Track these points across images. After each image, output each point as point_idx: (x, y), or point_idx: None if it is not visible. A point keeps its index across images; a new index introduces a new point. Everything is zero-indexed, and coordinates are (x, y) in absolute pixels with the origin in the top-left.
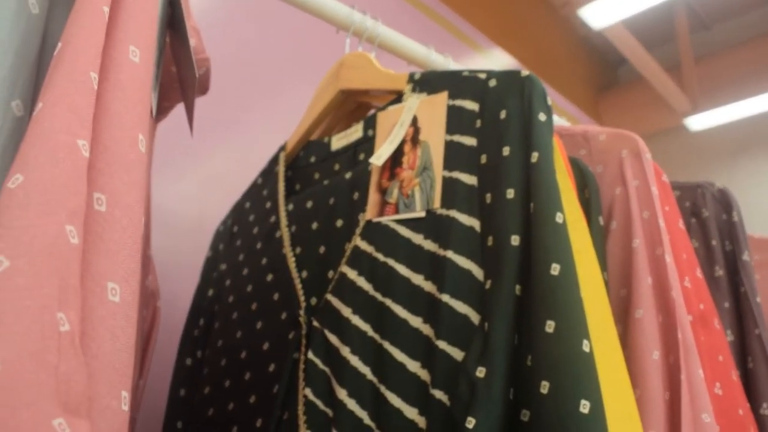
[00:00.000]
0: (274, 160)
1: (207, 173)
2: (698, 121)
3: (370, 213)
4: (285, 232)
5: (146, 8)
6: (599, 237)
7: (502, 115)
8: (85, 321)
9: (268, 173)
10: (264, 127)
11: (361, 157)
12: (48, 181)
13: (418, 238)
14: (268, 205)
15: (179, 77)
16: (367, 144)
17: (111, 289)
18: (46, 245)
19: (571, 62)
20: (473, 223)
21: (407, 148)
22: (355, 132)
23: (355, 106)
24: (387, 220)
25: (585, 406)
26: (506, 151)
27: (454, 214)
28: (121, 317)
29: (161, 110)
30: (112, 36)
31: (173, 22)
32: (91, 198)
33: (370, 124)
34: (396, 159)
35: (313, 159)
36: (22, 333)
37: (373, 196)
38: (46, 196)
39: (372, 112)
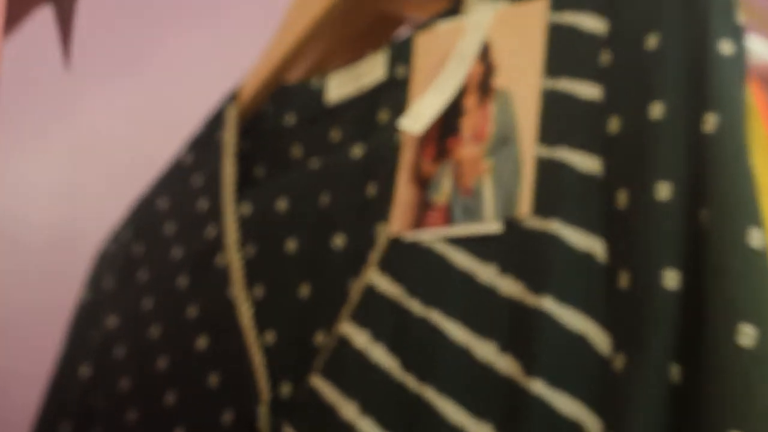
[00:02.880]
0: (216, 121)
1: (85, 144)
2: None
3: (397, 223)
4: (234, 258)
5: None
6: None
7: (651, 42)
8: None
9: (204, 145)
10: (192, 60)
11: (383, 116)
12: None
13: (487, 273)
14: (204, 204)
15: None
16: (393, 92)
17: None
18: None
19: None
20: (593, 245)
21: (470, 101)
22: (372, 69)
23: (372, 19)
24: (431, 237)
25: None
26: (657, 111)
27: (556, 227)
28: None
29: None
30: None
31: None
32: None
33: (401, 54)
34: (448, 122)
35: (290, 119)
36: None
37: (403, 191)
38: None
39: (404, 33)
